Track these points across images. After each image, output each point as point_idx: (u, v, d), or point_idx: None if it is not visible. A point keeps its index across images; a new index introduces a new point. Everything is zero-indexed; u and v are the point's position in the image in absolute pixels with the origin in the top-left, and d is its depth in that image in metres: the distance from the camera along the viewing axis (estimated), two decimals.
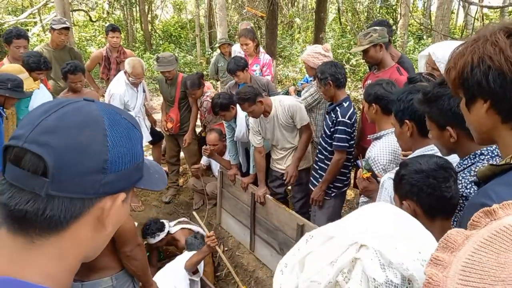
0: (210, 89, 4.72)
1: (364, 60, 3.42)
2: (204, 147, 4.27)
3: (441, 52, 2.54)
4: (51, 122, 0.62)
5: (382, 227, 0.79)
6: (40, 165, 0.60)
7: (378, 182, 2.16)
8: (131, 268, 1.92)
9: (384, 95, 2.34)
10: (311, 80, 3.92)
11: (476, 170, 1.35)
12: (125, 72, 4.33)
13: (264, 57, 4.85)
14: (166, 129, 4.77)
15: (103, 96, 5.08)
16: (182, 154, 5.13)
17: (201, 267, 3.45)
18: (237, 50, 5.12)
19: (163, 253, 4.24)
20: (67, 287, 0.66)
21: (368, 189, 2.13)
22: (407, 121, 1.72)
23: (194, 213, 3.21)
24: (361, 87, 9.24)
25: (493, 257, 0.48)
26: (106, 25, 5.47)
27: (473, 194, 1.32)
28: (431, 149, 1.64)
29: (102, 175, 0.64)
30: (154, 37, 15.62)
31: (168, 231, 3.92)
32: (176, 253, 3.99)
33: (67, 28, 4.88)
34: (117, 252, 1.84)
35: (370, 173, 2.14)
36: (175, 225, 4.10)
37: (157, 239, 3.81)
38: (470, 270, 0.48)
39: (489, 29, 0.89)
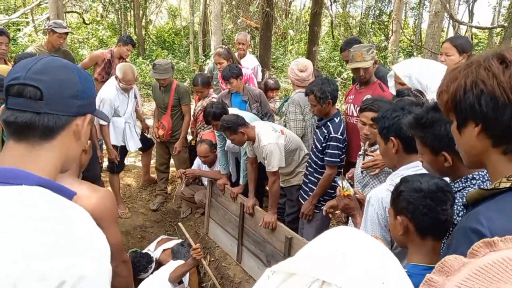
0: (213, 94, 4.73)
1: (358, 76, 3.38)
2: (182, 171, 4.27)
3: (403, 68, 2.73)
4: (39, 66, 0.92)
5: (347, 259, 0.74)
6: (37, 93, 0.89)
7: (358, 200, 2.17)
8: (114, 284, 1.87)
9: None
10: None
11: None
12: (116, 77, 4.31)
13: (244, 73, 4.72)
14: (157, 136, 4.74)
15: None
16: (171, 161, 5.09)
17: (186, 278, 3.39)
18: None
19: None
20: (54, 179, 0.95)
21: (348, 207, 2.13)
22: (392, 138, 1.73)
23: (180, 224, 3.12)
24: None
25: (484, 285, 0.50)
26: (123, 36, 5.59)
27: None
28: (416, 166, 1.66)
29: (76, 100, 0.96)
30: (147, 42, 15.60)
31: (156, 258, 3.82)
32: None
33: (66, 34, 4.92)
34: None
35: (350, 191, 2.15)
36: (155, 249, 3.99)
37: (150, 271, 3.66)
38: None
39: (482, 55, 0.91)
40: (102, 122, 4.35)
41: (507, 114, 0.84)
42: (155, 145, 5.09)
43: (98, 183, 4.22)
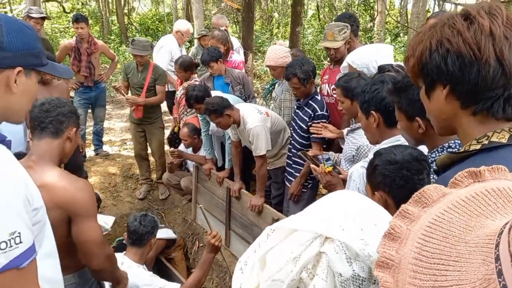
0: (195, 78, 4.62)
1: (329, 55, 3.34)
2: (170, 150, 4.19)
3: (359, 59, 2.70)
4: None
5: (348, 217, 0.74)
6: None
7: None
8: (100, 279, 1.81)
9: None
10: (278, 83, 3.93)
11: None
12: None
13: (235, 61, 4.63)
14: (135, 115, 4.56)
15: (73, 88, 4.92)
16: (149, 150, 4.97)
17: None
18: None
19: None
20: None
21: (331, 183, 2.12)
22: (373, 112, 1.70)
23: (202, 206, 2.62)
24: None
25: (464, 219, 0.45)
26: (72, 15, 5.35)
27: None
28: (398, 140, 1.63)
29: (0, 52, 1.01)
30: (130, 30, 15.30)
31: None
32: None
33: (43, 18, 4.78)
34: (76, 253, 1.73)
35: (332, 167, 2.13)
36: None
37: None
38: (436, 228, 0.46)
39: (446, 14, 0.88)
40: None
41: (474, 72, 0.80)
42: (131, 130, 4.95)
43: (80, 173, 4.16)
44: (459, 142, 1.34)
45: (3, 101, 1.06)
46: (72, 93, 4.99)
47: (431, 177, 1.33)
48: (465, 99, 0.85)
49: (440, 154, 1.37)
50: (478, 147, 0.84)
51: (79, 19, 4.84)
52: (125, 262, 2.68)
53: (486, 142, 0.84)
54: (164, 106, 5.30)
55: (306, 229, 0.74)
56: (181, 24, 5.33)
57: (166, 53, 5.11)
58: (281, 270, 0.73)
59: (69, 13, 14.86)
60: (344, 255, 0.69)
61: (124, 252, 2.80)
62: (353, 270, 0.69)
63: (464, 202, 0.47)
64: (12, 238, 0.96)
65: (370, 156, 1.76)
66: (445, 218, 0.46)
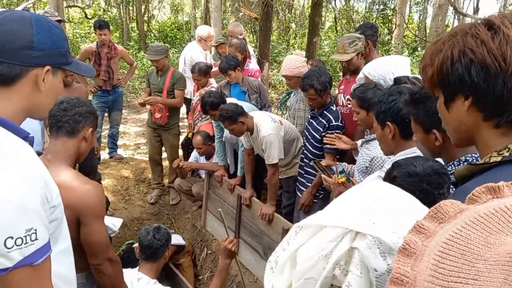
0: (212, 84, 4.65)
1: (343, 67, 3.35)
2: (180, 164, 4.21)
3: (376, 70, 2.69)
4: None
5: (377, 209, 0.72)
6: None
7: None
8: (99, 281, 1.77)
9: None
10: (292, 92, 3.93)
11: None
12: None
13: (252, 69, 4.65)
14: (155, 119, 4.59)
15: (92, 91, 5.00)
16: (164, 155, 5.01)
17: None
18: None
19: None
20: (16, 121, 1.06)
21: None
22: (389, 123, 1.68)
23: (220, 210, 2.56)
24: None
25: (483, 235, 0.44)
26: (94, 21, 5.44)
27: None
28: (413, 152, 1.59)
29: (31, 51, 1.03)
30: (149, 37, 15.55)
31: None
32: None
33: (59, 21, 4.85)
34: (85, 253, 1.72)
35: (345, 178, 2.10)
36: None
37: None
38: (453, 245, 0.44)
39: (467, 23, 0.85)
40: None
41: (499, 83, 0.77)
42: (147, 134, 4.99)
43: (94, 175, 4.21)
44: (476, 155, 1.31)
45: (30, 99, 1.07)
46: (90, 97, 5.07)
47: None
48: (488, 111, 0.82)
49: (456, 167, 1.33)
50: (498, 159, 0.82)
51: (102, 26, 4.94)
52: (142, 278, 2.58)
53: (507, 154, 0.81)
54: (182, 113, 5.34)
55: (336, 224, 0.73)
56: (201, 30, 5.33)
57: (190, 60, 5.10)
58: (313, 268, 0.72)
59: (90, 19, 15.21)
60: (377, 249, 0.68)
61: (138, 267, 2.71)
62: (388, 265, 0.67)
63: (482, 218, 0.45)
64: (28, 234, 0.95)
65: (387, 167, 1.73)
66: (462, 235, 0.45)
